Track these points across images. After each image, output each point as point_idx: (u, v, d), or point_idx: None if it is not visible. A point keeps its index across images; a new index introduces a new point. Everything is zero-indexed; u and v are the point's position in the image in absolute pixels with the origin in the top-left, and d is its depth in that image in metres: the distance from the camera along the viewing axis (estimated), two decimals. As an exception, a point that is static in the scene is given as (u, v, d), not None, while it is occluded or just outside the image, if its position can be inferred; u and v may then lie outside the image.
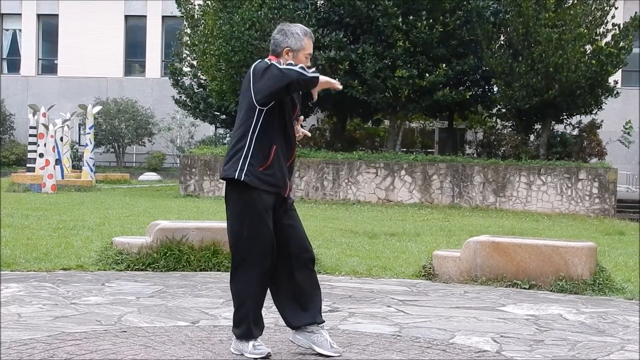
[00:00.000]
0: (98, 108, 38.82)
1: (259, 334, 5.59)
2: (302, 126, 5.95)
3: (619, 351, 6.17)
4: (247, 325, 5.52)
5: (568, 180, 27.96)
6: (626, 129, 38.06)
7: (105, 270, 9.74)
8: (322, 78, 5.43)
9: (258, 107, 5.46)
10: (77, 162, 42.06)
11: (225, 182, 5.61)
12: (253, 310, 5.53)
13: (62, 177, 32.55)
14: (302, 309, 5.66)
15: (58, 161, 31.83)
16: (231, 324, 5.73)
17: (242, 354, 5.52)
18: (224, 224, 11.00)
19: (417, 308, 7.83)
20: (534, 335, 6.66)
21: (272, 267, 5.52)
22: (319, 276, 9.08)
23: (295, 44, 5.54)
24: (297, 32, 5.56)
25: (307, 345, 5.65)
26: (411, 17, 28.47)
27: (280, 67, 5.36)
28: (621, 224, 23.58)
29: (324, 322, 5.76)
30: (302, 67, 5.37)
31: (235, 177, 5.44)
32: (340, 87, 5.59)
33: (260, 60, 5.61)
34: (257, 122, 5.46)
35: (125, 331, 6.33)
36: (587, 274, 9.16)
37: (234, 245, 5.56)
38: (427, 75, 28.81)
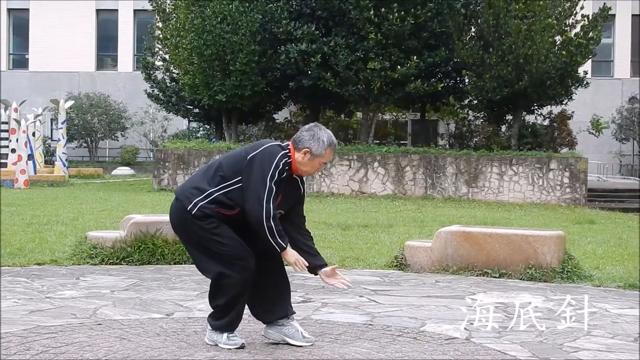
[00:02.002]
0: (70, 103, 38.62)
1: (236, 326, 5.67)
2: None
3: (585, 336, 6.30)
4: (228, 319, 5.60)
5: (539, 170, 28.19)
6: (595, 119, 38.44)
7: (79, 264, 9.78)
8: (287, 253, 5.53)
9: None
10: (49, 157, 41.83)
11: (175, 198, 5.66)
12: (235, 306, 5.61)
13: (35, 173, 32.45)
14: (273, 304, 5.75)
15: (30, 156, 31.73)
16: (205, 315, 5.80)
17: (217, 344, 5.61)
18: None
19: (389, 297, 7.94)
20: (503, 322, 6.77)
21: (253, 266, 5.54)
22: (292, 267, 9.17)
23: (316, 150, 5.57)
24: (324, 140, 5.58)
25: (279, 338, 5.75)
26: (383, 10, 28.54)
27: (268, 207, 5.37)
28: (592, 213, 23.82)
29: (294, 313, 5.86)
30: (278, 232, 5.42)
31: (187, 209, 5.50)
32: (300, 269, 5.61)
33: (276, 144, 5.63)
34: (233, 185, 5.50)
35: (100, 324, 6.39)
36: (555, 262, 9.31)
37: (203, 256, 5.60)
38: (399, 67, 28.92)
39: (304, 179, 5.83)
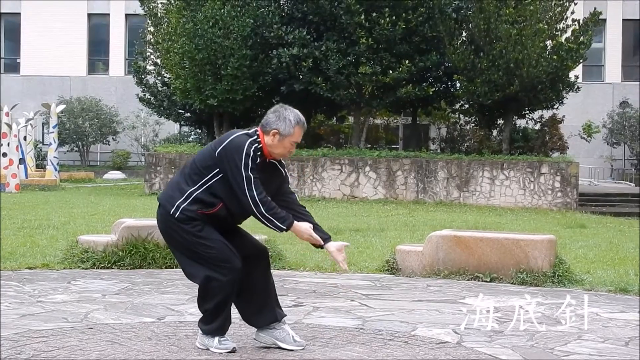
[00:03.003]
0: (62, 107, 38.61)
1: (226, 330, 5.67)
2: None
3: (576, 340, 6.32)
4: (217, 322, 5.59)
5: (530, 174, 28.25)
6: (586, 124, 38.54)
7: (71, 268, 9.76)
8: (296, 231, 5.52)
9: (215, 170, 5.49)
10: (40, 161, 41.80)
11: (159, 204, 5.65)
12: (224, 309, 5.60)
13: (26, 177, 32.42)
14: (261, 307, 5.74)
15: (22, 160, 31.69)
16: (197, 319, 5.80)
17: (208, 349, 5.60)
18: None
19: (380, 302, 7.94)
20: (494, 326, 6.79)
21: (240, 266, 5.53)
22: (283, 272, 9.20)
23: (284, 130, 5.53)
24: (290, 119, 5.57)
25: (270, 342, 5.74)
26: (374, 14, 28.60)
27: (259, 190, 5.37)
28: (582, 217, 23.89)
29: (285, 315, 5.86)
30: (272, 215, 5.40)
31: (170, 214, 5.49)
32: (321, 243, 5.61)
33: (242, 133, 5.56)
34: (213, 178, 5.48)
35: (91, 328, 6.38)
36: (547, 266, 9.32)
37: (190, 260, 5.57)
38: (390, 71, 28.97)
39: (283, 161, 5.79)
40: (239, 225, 5.79)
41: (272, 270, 5.99)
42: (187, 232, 5.46)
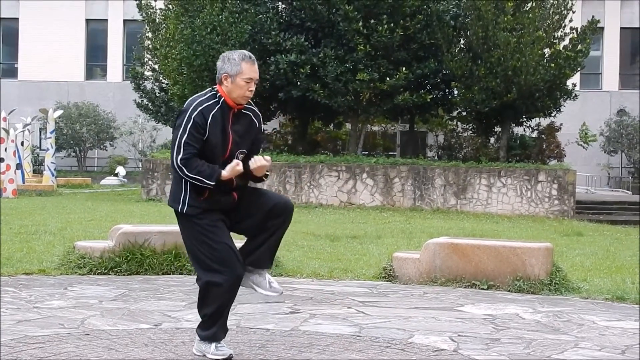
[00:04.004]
0: (59, 112, 38.62)
1: (223, 337, 5.67)
2: (262, 149, 5.89)
3: (573, 348, 6.32)
4: (215, 328, 5.60)
5: (528, 182, 28.28)
6: (583, 131, 38.59)
7: (67, 274, 9.75)
8: (225, 176, 5.41)
9: None
10: (38, 166, 41.77)
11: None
12: (223, 315, 5.62)
13: (23, 182, 32.39)
14: (255, 251, 5.72)
15: (19, 166, 31.67)
16: (194, 326, 5.80)
17: (205, 355, 5.60)
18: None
19: (377, 309, 7.94)
20: (491, 334, 6.80)
21: (242, 273, 5.57)
22: (281, 279, 9.19)
23: (231, 70, 5.49)
24: (234, 58, 5.53)
25: (247, 286, 5.74)
26: (372, 21, 28.65)
27: (182, 154, 5.40)
28: (579, 225, 23.91)
29: (269, 268, 5.85)
30: (200, 172, 5.38)
31: (179, 211, 5.55)
32: (240, 169, 5.49)
33: (192, 98, 5.59)
34: None
35: (88, 334, 6.37)
36: (543, 274, 9.33)
37: (196, 262, 5.61)
38: (388, 78, 29.00)
39: (258, 114, 5.75)
40: (253, 187, 5.77)
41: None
42: (196, 226, 5.49)
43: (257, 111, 5.76)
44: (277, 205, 5.64)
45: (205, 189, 5.45)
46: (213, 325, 5.58)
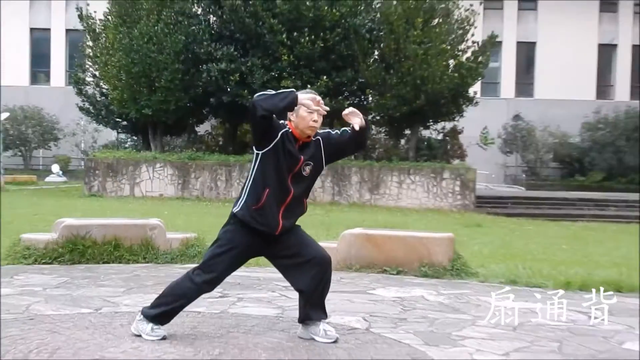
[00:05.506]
0: (6, 115, 37.80)
1: (163, 324, 5.64)
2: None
3: (470, 326, 6.46)
4: (161, 311, 5.57)
5: (434, 179, 28.64)
6: (483, 134, 39.18)
7: (14, 264, 9.58)
8: (294, 96, 5.24)
9: (256, 151, 5.48)
10: (-15, 165, 40.76)
11: None
12: (176, 308, 5.62)
13: (-28, 179, 31.60)
14: (307, 304, 5.71)
15: (-33, 164, 30.90)
16: (132, 310, 5.76)
17: (140, 335, 5.58)
18: (125, 221, 10.95)
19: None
20: (399, 314, 6.91)
21: (217, 285, 5.64)
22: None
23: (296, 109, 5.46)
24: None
25: (307, 336, 5.73)
26: (295, 34, 28.69)
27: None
28: (479, 217, 24.31)
29: (324, 318, 5.80)
30: (271, 95, 5.22)
31: (233, 211, 5.55)
32: (324, 111, 5.45)
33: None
34: (255, 166, 5.48)
35: (32, 319, 6.29)
36: (446, 261, 9.49)
37: (209, 256, 5.60)
38: (309, 86, 29.03)
39: (319, 142, 5.67)
40: (302, 232, 5.82)
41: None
42: (229, 233, 5.54)
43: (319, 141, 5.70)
44: (314, 259, 5.64)
45: (262, 196, 5.41)
46: (162, 306, 5.57)
